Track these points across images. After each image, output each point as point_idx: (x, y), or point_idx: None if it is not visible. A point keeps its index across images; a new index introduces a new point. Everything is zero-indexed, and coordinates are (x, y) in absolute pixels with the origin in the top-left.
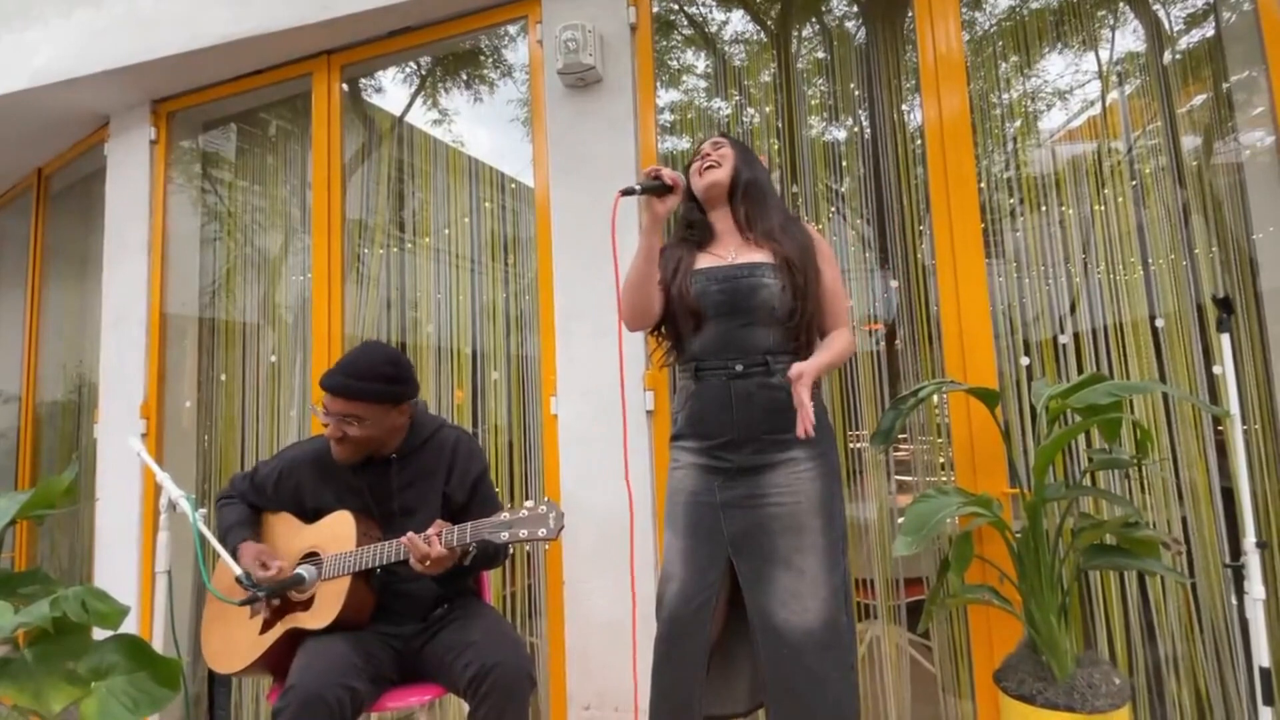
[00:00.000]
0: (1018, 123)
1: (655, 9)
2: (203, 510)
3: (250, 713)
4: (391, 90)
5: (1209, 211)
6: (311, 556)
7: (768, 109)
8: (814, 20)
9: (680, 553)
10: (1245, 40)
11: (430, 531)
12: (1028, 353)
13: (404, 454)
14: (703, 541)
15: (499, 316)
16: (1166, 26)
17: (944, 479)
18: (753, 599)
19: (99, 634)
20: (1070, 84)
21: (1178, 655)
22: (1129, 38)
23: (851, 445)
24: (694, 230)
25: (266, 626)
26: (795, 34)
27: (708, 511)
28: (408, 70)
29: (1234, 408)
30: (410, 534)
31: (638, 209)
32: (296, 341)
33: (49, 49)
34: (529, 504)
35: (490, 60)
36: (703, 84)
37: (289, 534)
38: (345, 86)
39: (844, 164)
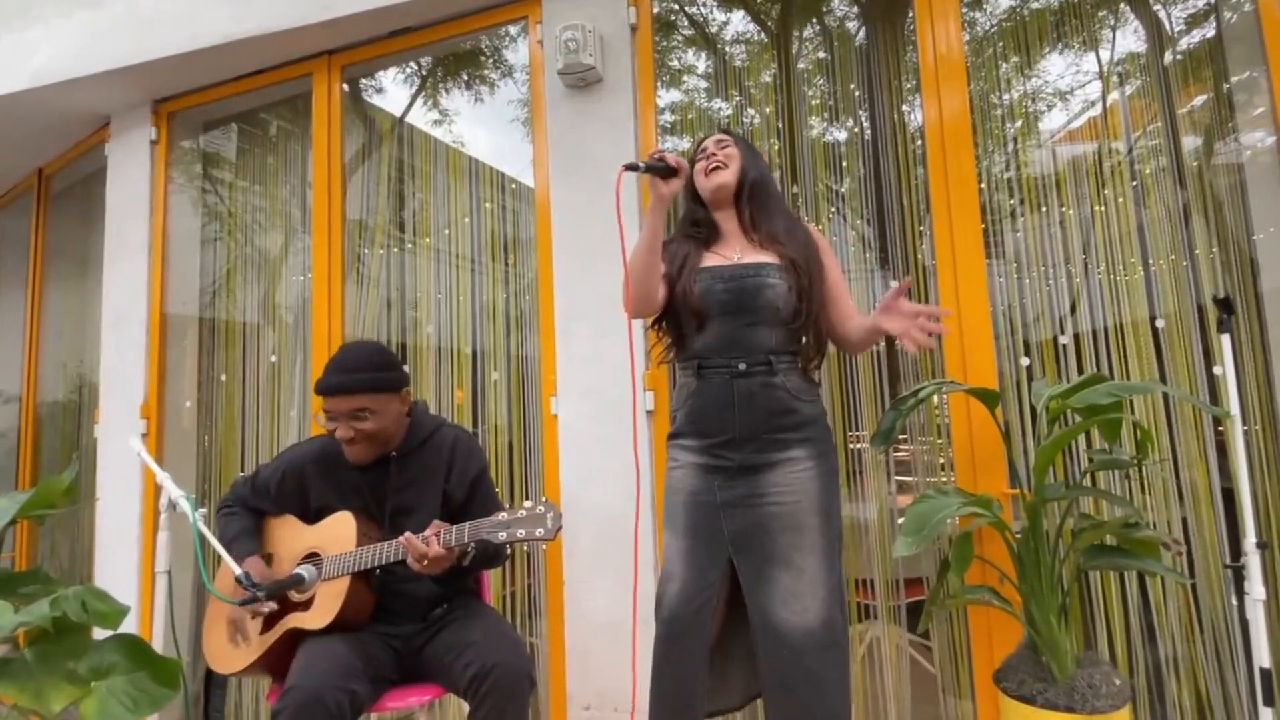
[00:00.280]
0: (1018, 123)
1: (656, 9)
2: (203, 510)
3: (250, 713)
4: (392, 90)
5: (1209, 212)
6: (312, 557)
7: (768, 109)
8: (814, 21)
9: (681, 553)
10: (1246, 40)
11: (428, 532)
12: (1028, 353)
13: (404, 453)
14: (703, 541)
15: (499, 316)
16: (1167, 27)
17: (944, 479)
18: (753, 598)
19: (99, 634)
20: (1071, 84)
21: (1178, 656)
22: (1129, 38)
23: (851, 446)
24: (699, 228)
25: (266, 627)
26: (796, 34)
27: (708, 511)
28: (408, 70)
29: (1234, 408)
30: (408, 534)
31: (637, 211)
32: (297, 342)
33: (50, 49)
34: (527, 504)
35: (490, 60)
36: (703, 84)
37: (291, 536)
38: (346, 87)
39: (844, 164)
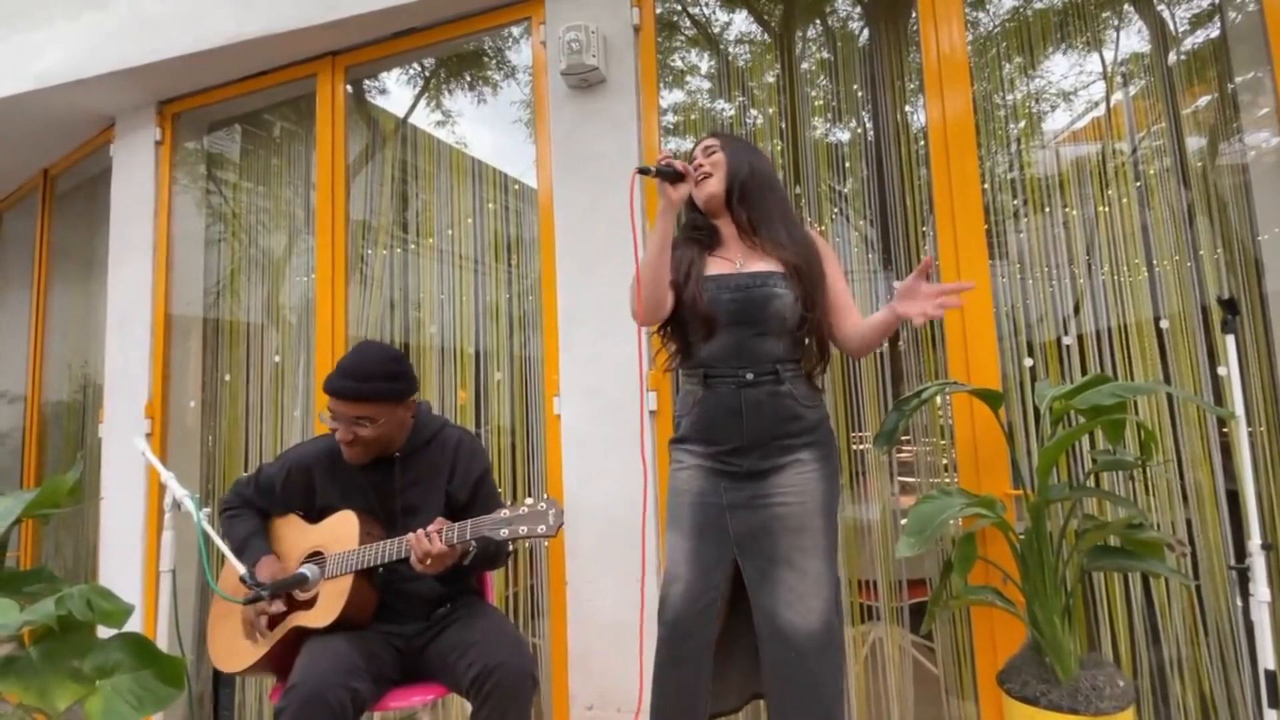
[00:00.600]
0: (1022, 123)
1: (659, 10)
2: (207, 509)
3: (254, 712)
4: (395, 91)
5: (1214, 213)
6: (315, 556)
7: (771, 110)
8: (817, 21)
9: (686, 553)
10: (1250, 41)
11: (431, 528)
12: (1031, 354)
13: (408, 453)
14: (709, 542)
15: (502, 317)
16: (1171, 27)
17: (947, 480)
18: (758, 599)
19: (104, 632)
20: (1074, 85)
21: (1182, 658)
22: (1133, 38)
23: (855, 446)
24: (700, 232)
25: (270, 626)
26: (799, 35)
27: (714, 512)
28: (411, 72)
29: (1239, 409)
30: (415, 532)
31: (642, 213)
32: (300, 342)
33: (55, 50)
34: (529, 501)
35: (493, 61)
36: (706, 85)
37: (295, 535)
38: (349, 88)
39: (847, 165)
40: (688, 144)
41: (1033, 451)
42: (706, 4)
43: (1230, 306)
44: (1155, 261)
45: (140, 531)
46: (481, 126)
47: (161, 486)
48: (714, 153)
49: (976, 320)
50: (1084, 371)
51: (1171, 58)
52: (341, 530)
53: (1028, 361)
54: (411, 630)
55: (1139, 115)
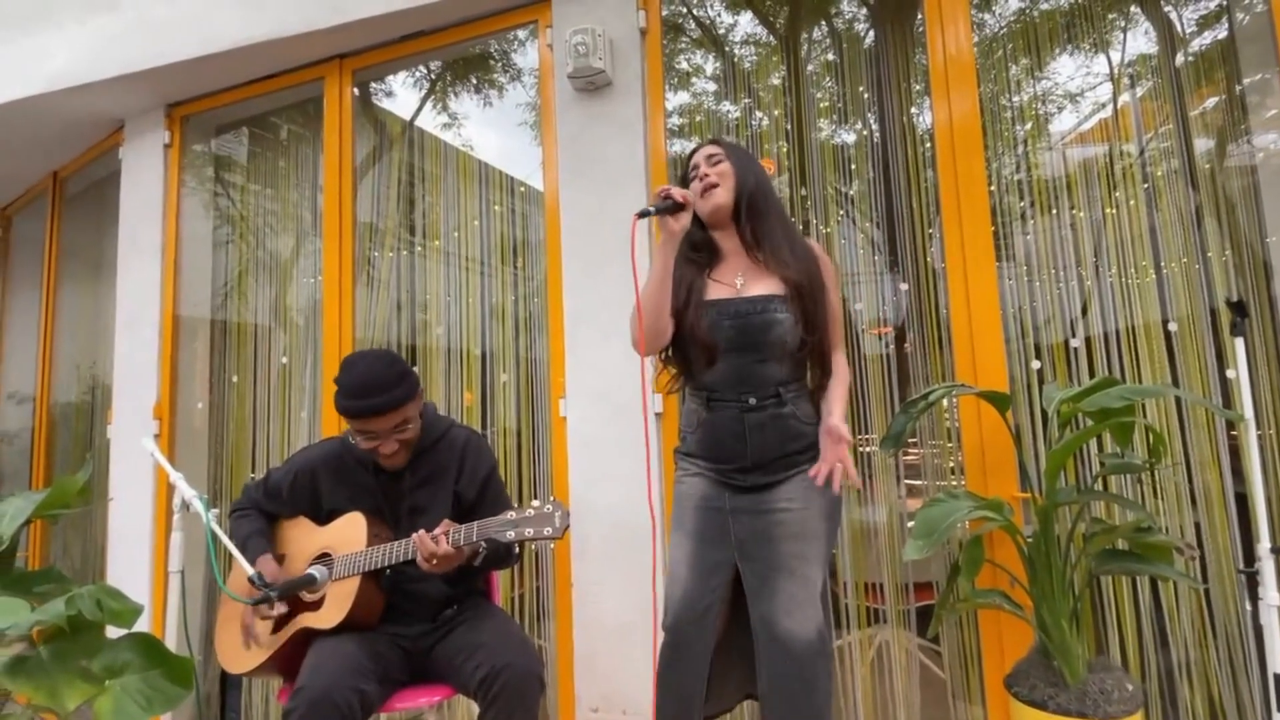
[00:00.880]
0: (1028, 125)
1: (664, 12)
2: (215, 510)
3: (260, 713)
4: (402, 94)
5: (1222, 214)
6: (323, 558)
7: (776, 112)
8: (823, 23)
9: (687, 555)
10: (1259, 42)
11: (437, 530)
12: (1039, 356)
13: (416, 454)
14: (711, 546)
15: (508, 319)
16: (1179, 28)
17: (954, 483)
18: (756, 605)
19: (113, 632)
20: (1081, 86)
21: (1191, 661)
22: (1140, 39)
23: (861, 449)
24: (698, 252)
25: (277, 626)
26: (804, 37)
27: (717, 516)
28: (418, 74)
29: (1248, 412)
30: (419, 532)
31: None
32: (307, 343)
33: (65, 54)
34: (535, 503)
35: (500, 64)
36: (712, 87)
37: (303, 537)
38: (356, 91)
39: (853, 167)
40: (693, 145)
41: (1040, 454)
42: (712, 6)
43: (1239, 309)
44: (1163, 263)
45: (148, 532)
46: (488, 129)
47: (170, 487)
48: (719, 161)
49: (984, 322)
50: (1092, 374)
51: (1179, 59)
52: (349, 532)
53: (1035, 364)
54: (418, 631)
55: (1147, 117)
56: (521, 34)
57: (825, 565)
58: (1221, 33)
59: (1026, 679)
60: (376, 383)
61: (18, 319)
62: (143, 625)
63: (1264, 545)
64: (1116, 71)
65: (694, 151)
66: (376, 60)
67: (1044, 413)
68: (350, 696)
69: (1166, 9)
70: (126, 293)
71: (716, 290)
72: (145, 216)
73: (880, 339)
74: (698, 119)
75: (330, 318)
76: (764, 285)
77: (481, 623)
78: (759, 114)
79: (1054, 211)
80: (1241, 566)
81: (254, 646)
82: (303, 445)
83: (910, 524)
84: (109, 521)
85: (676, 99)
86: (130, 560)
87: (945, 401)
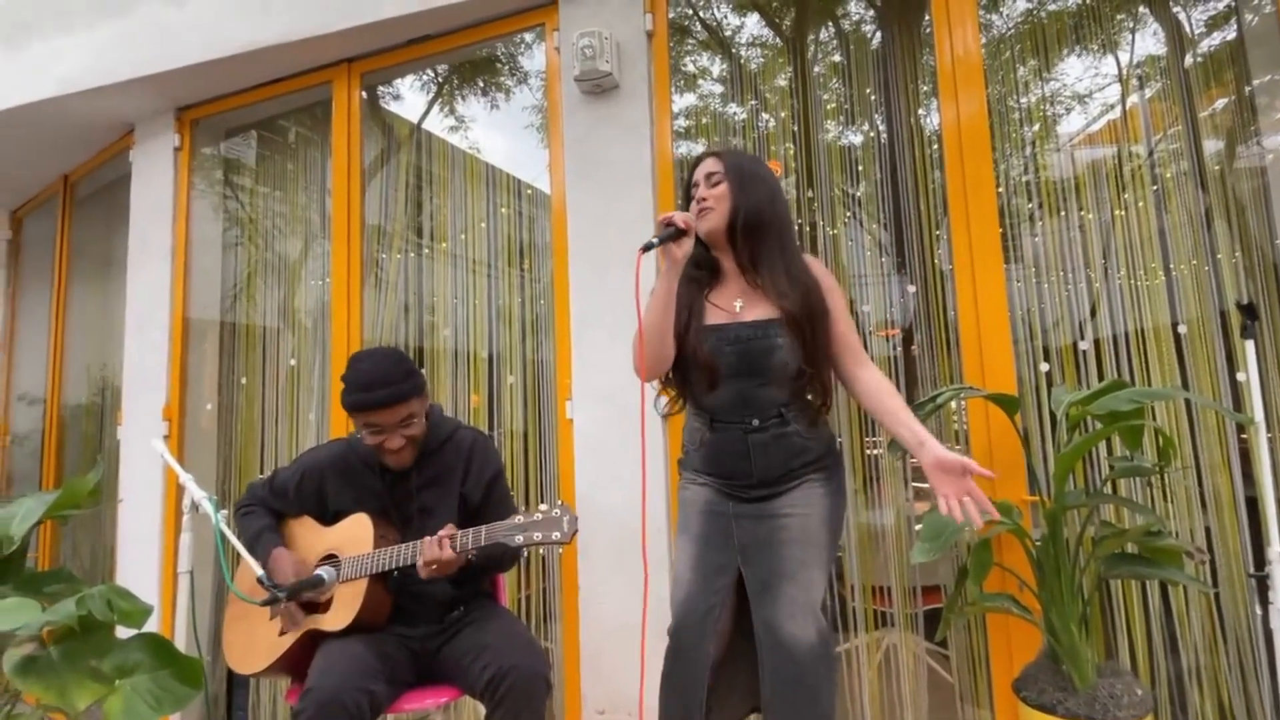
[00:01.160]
0: (1036, 126)
1: (671, 15)
2: (224, 511)
3: (268, 713)
4: (409, 97)
5: (1232, 216)
6: (330, 559)
7: (783, 113)
8: (830, 24)
9: (690, 559)
10: (1268, 43)
11: (441, 534)
12: (1047, 359)
13: (422, 455)
14: (714, 549)
15: (515, 321)
16: (1187, 29)
17: None
18: (759, 610)
19: (122, 633)
20: (1089, 87)
21: (1201, 666)
22: (1149, 41)
23: (869, 453)
24: (700, 270)
25: (286, 628)
26: (811, 38)
27: (720, 520)
28: (425, 78)
29: (1258, 415)
30: (428, 538)
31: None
32: (316, 345)
33: (76, 58)
34: (543, 507)
35: (507, 67)
36: (718, 89)
37: (309, 537)
38: (364, 94)
39: (860, 168)
40: (699, 147)
41: (1049, 457)
42: (719, 8)
43: (1249, 311)
44: (1173, 266)
45: (158, 533)
46: (495, 132)
47: (179, 488)
48: (718, 182)
49: (992, 325)
50: (1101, 377)
51: (1188, 60)
52: (356, 533)
53: (1044, 366)
54: (425, 633)
55: (1155, 118)
56: (528, 37)
57: (828, 569)
58: (1230, 34)
59: (1035, 683)
60: (383, 377)
61: (28, 321)
62: (152, 625)
63: (1274, 549)
64: (1125, 73)
65: (698, 162)
66: (384, 64)
67: (1053, 415)
68: (359, 698)
69: (1175, 10)
70: (136, 295)
71: (715, 315)
72: (155, 219)
73: (888, 341)
74: (704, 121)
75: (338, 320)
76: (762, 309)
77: (488, 624)
78: (765, 116)
79: (1062, 213)
80: (1252, 571)
81: (263, 647)
82: (311, 447)
83: (918, 527)
84: (119, 522)
85: (683, 101)
86: (140, 561)
87: (953, 404)
